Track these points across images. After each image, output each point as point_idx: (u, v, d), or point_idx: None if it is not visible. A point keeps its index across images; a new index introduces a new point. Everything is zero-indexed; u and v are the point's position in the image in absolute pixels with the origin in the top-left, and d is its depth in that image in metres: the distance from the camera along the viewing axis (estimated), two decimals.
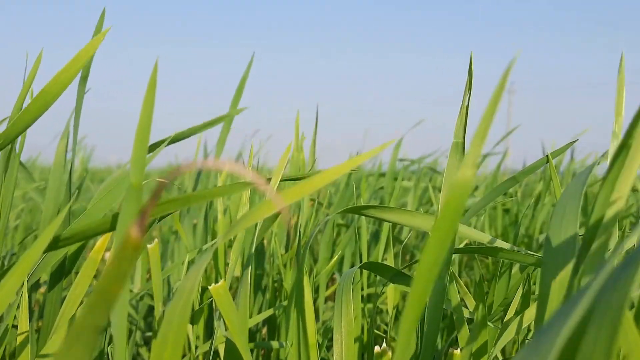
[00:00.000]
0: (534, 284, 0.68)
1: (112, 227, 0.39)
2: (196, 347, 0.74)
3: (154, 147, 0.63)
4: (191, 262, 0.78)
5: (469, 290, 0.58)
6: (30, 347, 0.42)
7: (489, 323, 0.48)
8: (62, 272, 0.52)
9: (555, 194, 0.52)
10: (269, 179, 0.47)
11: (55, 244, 0.37)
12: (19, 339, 0.42)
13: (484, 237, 0.52)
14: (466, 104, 0.44)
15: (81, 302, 0.46)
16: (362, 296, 0.75)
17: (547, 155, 0.57)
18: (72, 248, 0.51)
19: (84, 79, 0.56)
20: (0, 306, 0.33)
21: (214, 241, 0.74)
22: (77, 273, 0.62)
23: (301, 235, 0.59)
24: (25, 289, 0.42)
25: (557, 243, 0.32)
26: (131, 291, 0.91)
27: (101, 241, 0.46)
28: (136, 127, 0.27)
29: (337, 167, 0.31)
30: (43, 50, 0.50)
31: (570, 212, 0.33)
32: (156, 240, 0.51)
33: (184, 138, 0.65)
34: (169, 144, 0.61)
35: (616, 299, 0.19)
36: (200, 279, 0.76)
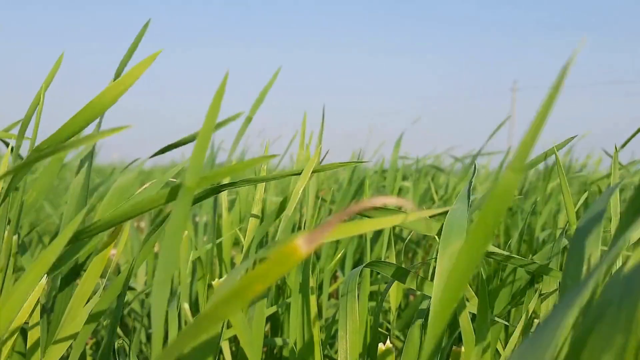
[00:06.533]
0: (538, 282, 0.69)
1: (169, 199, 0.40)
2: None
3: (166, 149, 0.64)
4: (196, 260, 0.79)
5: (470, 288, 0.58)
6: (41, 342, 0.42)
7: (497, 319, 0.48)
8: (76, 270, 0.53)
9: (557, 193, 0.53)
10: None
11: (85, 229, 0.38)
12: (30, 334, 0.43)
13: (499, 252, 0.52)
14: None
15: (88, 300, 0.47)
16: None
17: (544, 153, 0.58)
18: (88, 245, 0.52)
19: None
20: (19, 301, 0.33)
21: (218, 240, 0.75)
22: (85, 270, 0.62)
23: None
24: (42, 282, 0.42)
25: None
26: (134, 289, 0.91)
27: (109, 239, 0.46)
28: (198, 135, 0.28)
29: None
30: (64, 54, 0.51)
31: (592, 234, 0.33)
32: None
33: (193, 140, 0.65)
34: (179, 145, 0.62)
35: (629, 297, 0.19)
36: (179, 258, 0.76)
